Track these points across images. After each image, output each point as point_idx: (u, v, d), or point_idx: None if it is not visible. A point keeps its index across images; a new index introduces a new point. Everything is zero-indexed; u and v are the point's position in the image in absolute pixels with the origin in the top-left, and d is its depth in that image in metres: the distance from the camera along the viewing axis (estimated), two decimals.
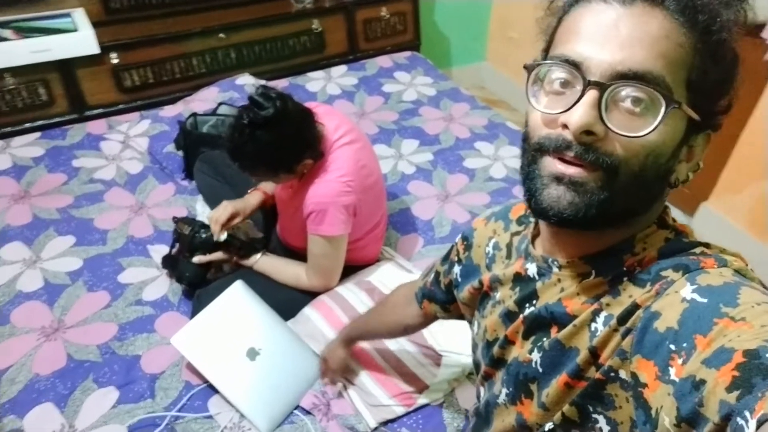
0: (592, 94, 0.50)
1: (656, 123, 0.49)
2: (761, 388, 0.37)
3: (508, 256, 0.73)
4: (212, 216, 1.48)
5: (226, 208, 1.49)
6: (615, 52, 0.49)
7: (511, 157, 2.06)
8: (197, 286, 1.47)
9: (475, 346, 0.79)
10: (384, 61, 2.61)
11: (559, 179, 0.53)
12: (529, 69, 0.56)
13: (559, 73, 0.53)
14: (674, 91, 0.50)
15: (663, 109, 0.49)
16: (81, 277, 1.55)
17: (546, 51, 0.58)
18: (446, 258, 0.87)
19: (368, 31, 2.64)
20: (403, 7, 2.68)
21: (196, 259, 1.44)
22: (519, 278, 0.67)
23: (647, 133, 0.49)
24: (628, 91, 0.50)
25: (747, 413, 0.36)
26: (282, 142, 1.25)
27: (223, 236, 1.45)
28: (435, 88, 2.48)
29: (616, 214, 0.54)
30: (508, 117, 2.41)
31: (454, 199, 1.88)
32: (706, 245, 0.56)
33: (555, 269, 0.62)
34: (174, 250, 1.52)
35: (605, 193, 0.51)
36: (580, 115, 0.50)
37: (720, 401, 0.38)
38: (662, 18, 0.50)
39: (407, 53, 2.69)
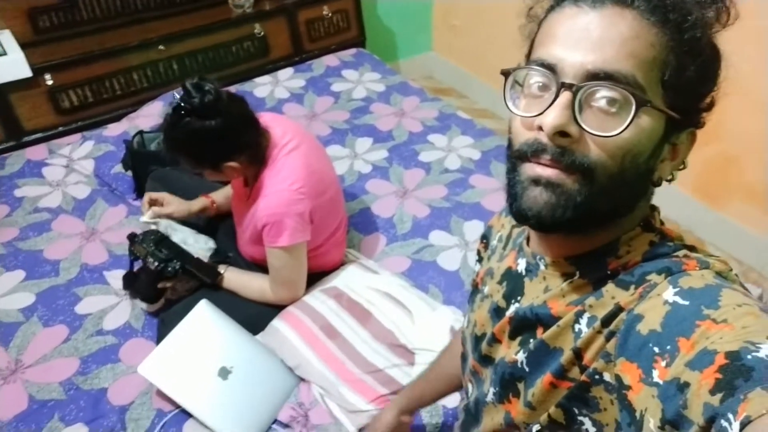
0: (565, 96, 0.51)
1: (627, 122, 0.50)
2: (744, 390, 0.37)
3: (505, 247, 0.74)
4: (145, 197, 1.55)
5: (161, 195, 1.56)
6: (587, 53, 0.51)
7: (464, 147, 2.08)
8: (152, 302, 1.47)
9: (464, 340, 0.79)
10: (330, 60, 2.59)
11: (536, 181, 0.53)
12: (506, 74, 0.57)
13: (536, 77, 0.54)
14: (648, 89, 0.51)
15: (633, 108, 0.49)
16: (35, 313, 1.49)
17: (528, 56, 0.59)
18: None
19: (311, 31, 2.61)
20: (344, 4, 2.66)
21: (160, 284, 1.41)
22: (509, 273, 0.68)
23: (619, 133, 0.50)
24: (602, 93, 0.51)
25: (731, 415, 0.36)
26: (206, 135, 1.23)
27: (149, 215, 1.49)
28: (384, 83, 2.47)
29: (597, 216, 0.54)
30: (458, 106, 2.42)
31: (412, 195, 1.89)
32: (691, 248, 0.56)
33: (542, 267, 0.63)
34: (136, 268, 1.46)
35: (583, 196, 0.52)
36: (553, 116, 0.51)
37: (704, 404, 0.39)
38: (632, 18, 0.51)
39: (353, 50, 2.67)
